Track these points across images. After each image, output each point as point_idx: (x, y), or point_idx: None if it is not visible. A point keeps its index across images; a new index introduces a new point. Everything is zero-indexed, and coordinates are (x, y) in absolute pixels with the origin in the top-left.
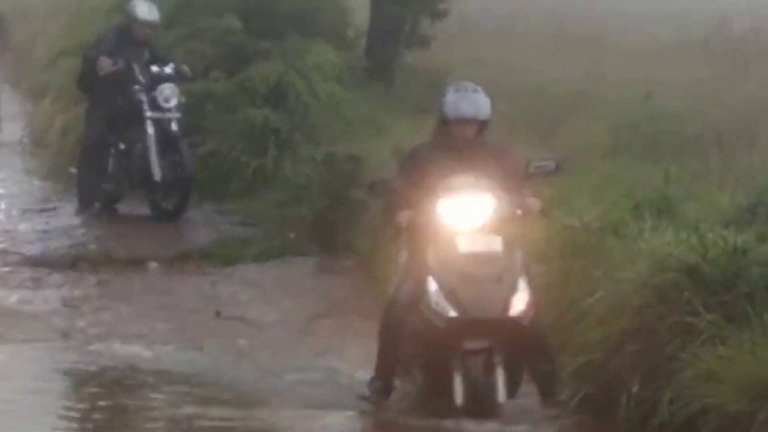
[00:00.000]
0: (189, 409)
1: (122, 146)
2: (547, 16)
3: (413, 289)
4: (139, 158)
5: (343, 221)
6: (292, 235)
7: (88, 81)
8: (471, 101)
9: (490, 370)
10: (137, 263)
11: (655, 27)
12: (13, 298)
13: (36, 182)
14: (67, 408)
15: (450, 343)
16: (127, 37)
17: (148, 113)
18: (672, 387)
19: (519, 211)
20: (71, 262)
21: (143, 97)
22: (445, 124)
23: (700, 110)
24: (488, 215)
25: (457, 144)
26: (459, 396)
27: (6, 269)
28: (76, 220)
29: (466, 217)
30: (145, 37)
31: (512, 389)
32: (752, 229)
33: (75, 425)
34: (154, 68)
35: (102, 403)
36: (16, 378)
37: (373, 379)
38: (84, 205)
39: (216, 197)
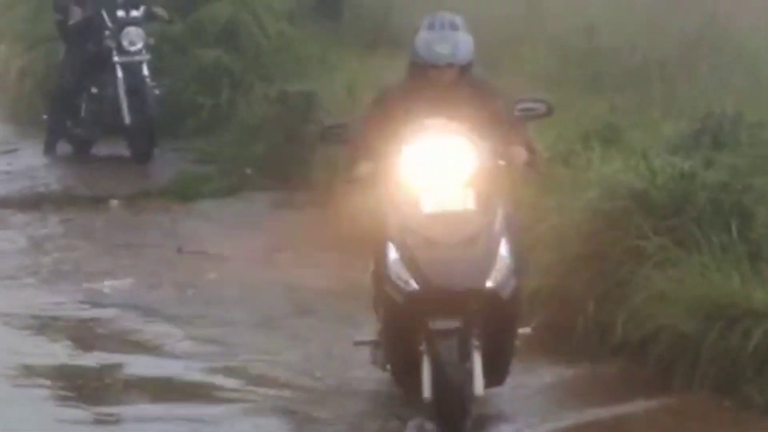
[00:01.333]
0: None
1: (94, 90)
2: None
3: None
4: (110, 102)
5: (298, 156)
6: (248, 171)
7: (63, 29)
8: (448, 41)
9: (464, 356)
10: (99, 202)
11: None
12: None
13: None
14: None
15: (413, 322)
16: None
17: (116, 58)
18: (626, 309)
19: (501, 162)
20: (34, 202)
21: (111, 43)
22: (417, 65)
23: (641, 42)
24: (462, 166)
25: (434, 88)
26: (427, 388)
27: None
28: (38, 162)
29: (433, 167)
30: None
31: (495, 378)
32: (697, 155)
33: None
34: (120, 12)
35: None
36: None
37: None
38: (51, 145)
39: (173, 136)
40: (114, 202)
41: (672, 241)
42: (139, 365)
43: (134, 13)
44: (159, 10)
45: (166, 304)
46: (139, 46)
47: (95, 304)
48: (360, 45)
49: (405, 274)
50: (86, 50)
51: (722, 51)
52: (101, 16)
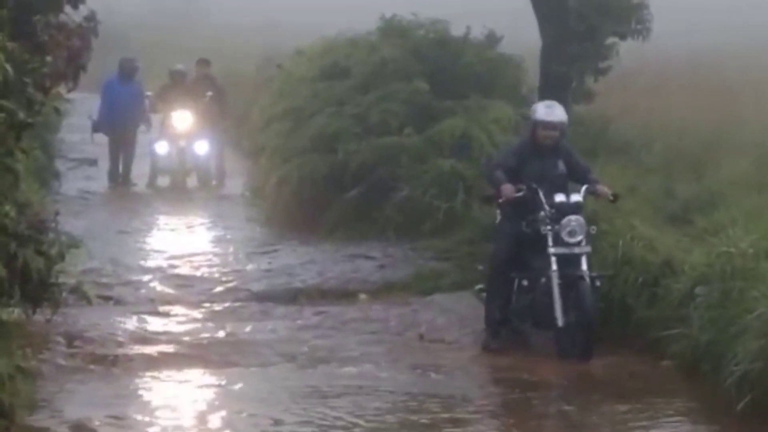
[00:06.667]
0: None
1: (525, 282)
2: (687, 62)
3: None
4: (542, 298)
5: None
6: (480, 267)
7: (492, 201)
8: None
9: None
10: (348, 296)
11: None
12: (246, 328)
13: (257, 228)
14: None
15: None
16: (532, 146)
17: (551, 249)
18: None
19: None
20: (292, 297)
21: (547, 229)
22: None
23: None
24: None
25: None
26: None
27: (237, 304)
28: (294, 260)
29: None
30: (552, 142)
31: None
32: None
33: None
34: (559, 197)
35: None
36: (250, 398)
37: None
38: (492, 333)
39: (411, 237)
40: (362, 296)
41: None
42: None
43: (575, 198)
44: (601, 189)
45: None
46: (579, 238)
47: (346, 387)
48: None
49: None
50: (520, 228)
51: None
52: (537, 193)
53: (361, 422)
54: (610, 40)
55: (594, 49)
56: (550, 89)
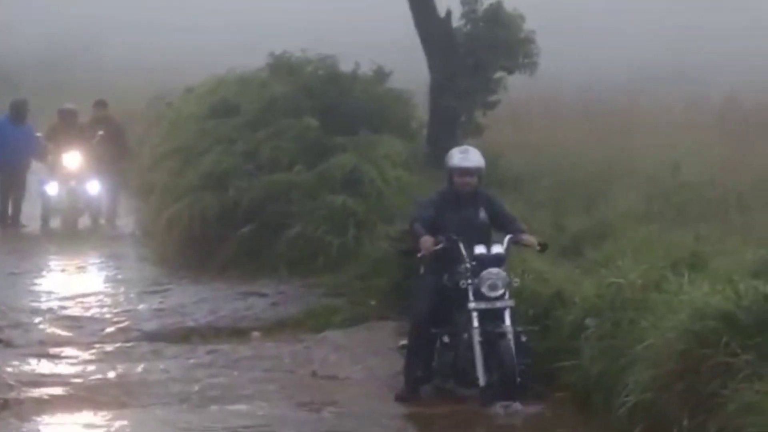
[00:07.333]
0: None
1: (446, 339)
2: (579, 95)
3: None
4: (464, 352)
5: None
6: (373, 302)
7: (409, 255)
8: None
9: None
10: (241, 333)
11: (670, 102)
12: (137, 368)
13: (149, 268)
14: None
15: None
16: (450, 195)
17: (472, 304)
18: (717, 420)
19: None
20: (185, 336)
21: (467, 283)
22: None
23: (719, 178)
24: None
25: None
26: None
27: (129, 344)
28: (186, 299)
29: None
30: (470, 189)
31: None
32: None
33: None
34: (479, 249)
35: None
36: None
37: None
38: (411, 390)
39: (304, 273)
40: (255, 334)
41: (758, 356)
42: None
43: (496, 250)
44: (527, 238)
45: (303, 423)
46: (500, 292)
47: (241, 427)
48: None
49: None
50: (440, 283)
51: None
52: (457, 246)
53: None
54: (498, 74)
55: (482, 83)
56: (439, 123)
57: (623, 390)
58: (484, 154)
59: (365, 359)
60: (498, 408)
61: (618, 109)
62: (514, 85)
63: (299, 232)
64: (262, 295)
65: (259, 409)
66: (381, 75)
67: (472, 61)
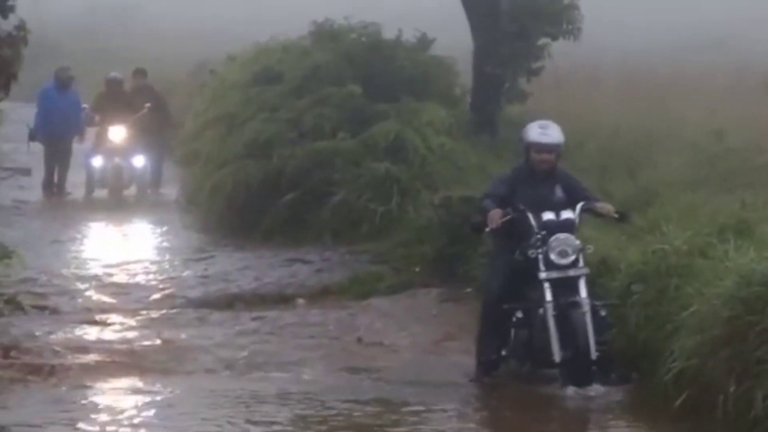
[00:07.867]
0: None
1: (519, 315)
2: (621, 62)
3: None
4: (538, 332)
5: (461, 255)
6: (417, 269)
7: (481, 230)
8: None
9: None
10: (286, 300)
11: (714, 69)
12: (182, 335)
13: (194, 235)
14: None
15: None
16: (526, 171)
17: (542, 274)
18: (764, 386)
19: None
20: (229, 303)
21: (536, 252)
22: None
23: (765, 144)
24: None
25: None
26: None
27: (174, 311)
28: (230, 267)
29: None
30: (548, 167)
31: None
32: None
33: None
34: (548, 215)
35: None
36: (188, 405)
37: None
38: (483, 371)
39: (348, 240)
40: (300, 301)
41: None
42: None
43: (566, 215)
44: (601, 205)
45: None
46: (570, 258)
47: (286, 393)
48: (513, 156)
49: None
50: (512, 260)
51: None
52: (527, 217)
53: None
54: (542, 40)
55: (526, 50)
56: (483, 90)
57: (669, 357)
58: (528, 121)
59: (410, 326)
60: (570, 390)
61: (661, 76)
62: (557, 52)
63: (343, 199)
64: (307, 262)
65: (305, 376)
66: (424, 42)
67: (515, 28)
